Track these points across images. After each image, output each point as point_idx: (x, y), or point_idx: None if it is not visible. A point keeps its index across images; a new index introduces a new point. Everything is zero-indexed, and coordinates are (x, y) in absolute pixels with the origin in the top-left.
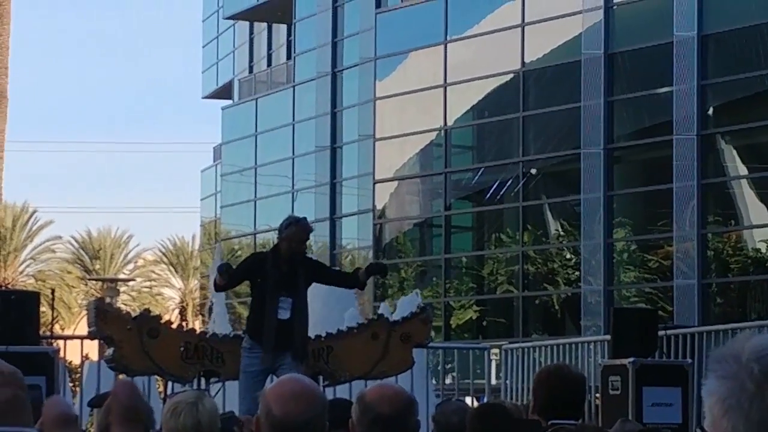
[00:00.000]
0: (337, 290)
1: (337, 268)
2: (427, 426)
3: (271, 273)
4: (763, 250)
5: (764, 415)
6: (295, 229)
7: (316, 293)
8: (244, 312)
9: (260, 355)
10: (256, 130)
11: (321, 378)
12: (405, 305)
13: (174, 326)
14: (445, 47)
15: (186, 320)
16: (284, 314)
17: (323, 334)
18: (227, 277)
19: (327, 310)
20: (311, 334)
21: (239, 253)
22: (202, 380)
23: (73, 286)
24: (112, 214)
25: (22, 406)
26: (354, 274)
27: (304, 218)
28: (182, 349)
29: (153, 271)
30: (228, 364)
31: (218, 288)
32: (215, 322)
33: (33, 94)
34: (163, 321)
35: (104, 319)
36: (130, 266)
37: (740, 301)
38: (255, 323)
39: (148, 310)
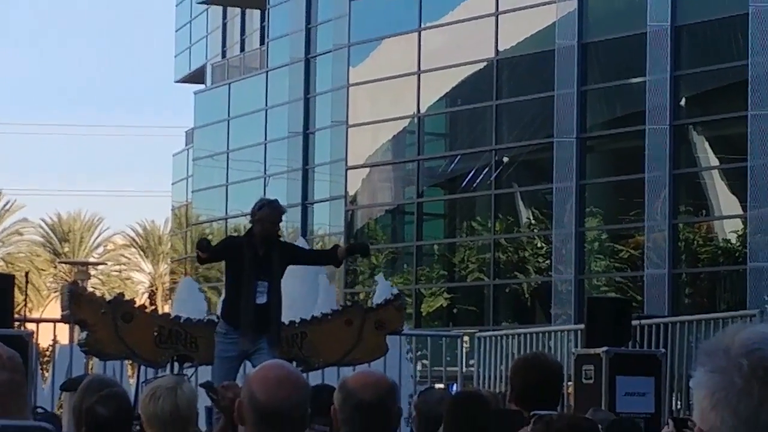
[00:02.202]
0: (310, 278)
1: (313, 249)
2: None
3: (247, 257)
4: (733, 241)
5: (752, 411)
6: (268, 211)
7: (290, 280)
8: (213, 297)
9: (236, 339)
10: (228, 115)
11: (294, 364)
12: (380, 292)
13: (148, 310)
14: (419, 35)
15: (155, 304)
16: (261, 298)
17: (297, 320)
18: (209, 253)
19: (300, 296)
20: (285, 320)
21: (210, 238)
22: (176, 365)
23: (42, 270)
24: (82, 197)
25: (18, 390)
26: (332, 250)
27: (276, 200)
28: (156, 333)
29: (123, 255)
30: (201, 349)
31: (202, 260)
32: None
33: (3, 76)
34: (137, 305)
35: (78, 303)
36: (100, 250)
37: (710, 292)
38: (231, 308)
39: (122, 294)
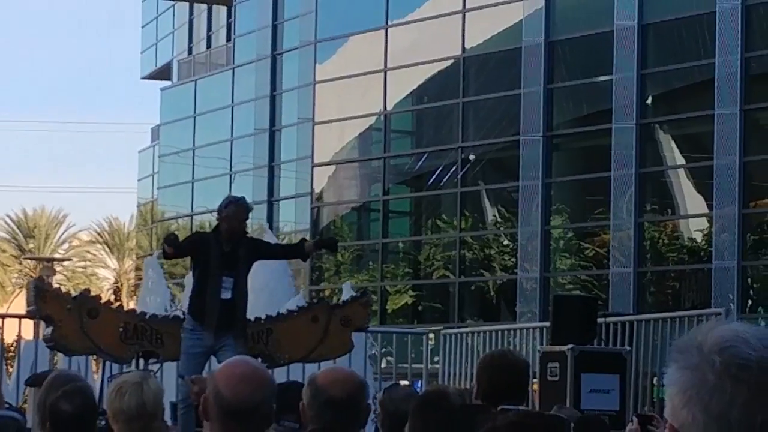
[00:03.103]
0: (277, 275)
1: (279, 243)
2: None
3: (213, 253)
4: (699, 240)
5: (724, 408)
6: (235, 209)
7: (257, 276)
8: (177, 293)
9: (202, 335)
10: (194, 112)
11: (260, 360)
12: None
13: (114, 306)
14: (386, 32)
15: (120, 301)
16: (226, 294)
17: (263, 317)
18: (175, 248)
19: (267, 293)
20: (251, 316)
21: (177, 232)
22: (141, 361)
23: (7, 265)
24: (48, 193)
25: None
26: (299, 244)
27: (243, 198)
28: (121, 329)
29: (88, 251)
30: (167, 345)
31: (168, 256)
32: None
33: None
34: (102, 301)
35: (44, 299)
36: (65, 246)
37: (675, 290)
38: (197, 303)
39: (87, 290)
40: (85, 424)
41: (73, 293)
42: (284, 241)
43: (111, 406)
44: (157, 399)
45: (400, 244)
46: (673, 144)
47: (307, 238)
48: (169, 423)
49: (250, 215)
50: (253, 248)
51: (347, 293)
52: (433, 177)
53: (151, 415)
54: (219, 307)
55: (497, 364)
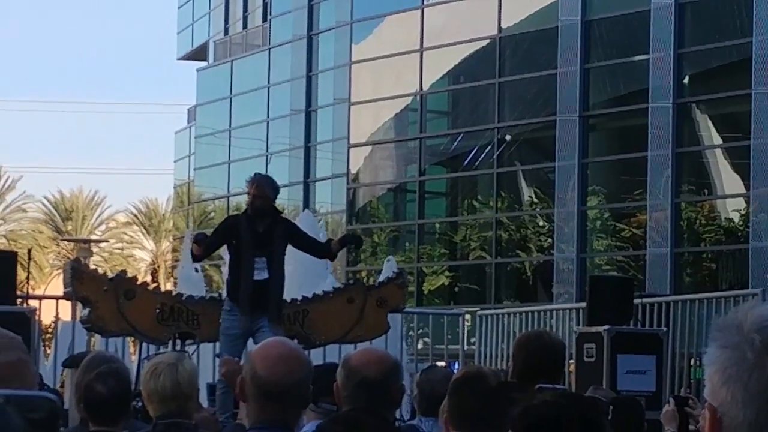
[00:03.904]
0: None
1: (312, 236)
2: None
3: (245, 234)
4: (736, 220)
5: (763, 387)
6: (251, 187)
7: (292, 257)
8: (215, 275)
9: (239, 316)
10: (230, 93)
11: (296, 341)
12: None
13: (150, 288)
14: (422, 12)
15: (157, 282)
16: (261, 274)
17: (299, 298)
18: (204, 246)
19: (303, 273)
20: (287, 297)
21: (212, 215)
22: (177, 342)
23: (45, 247)
24: (85, 175)
25: (28, 368)
26: (326, 244)
27: (259, 174)
28: (158, 310)
29: (125, 233)
30: (203, 326)
31: (195, 258)
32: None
33: (4, 52)
34: (139, 282)
35: (81, 280)
36: (102, 227)
37: (712, 271)
38: (233, 285)
39: (124, 272)
40: (119, 406)
41: (110, 275)
42: (320, 223)
43: (146, 387)
44: (192, 380)
45: (437, 225)
46: (710, 123)
47: (343, 219)
48: (206, 404)
49: (286, 195)
50: (290, 232)
51: (389, 269)
52: (469, 157)
53: (186, 395)
54: (252, 289)
55: (533, 345)
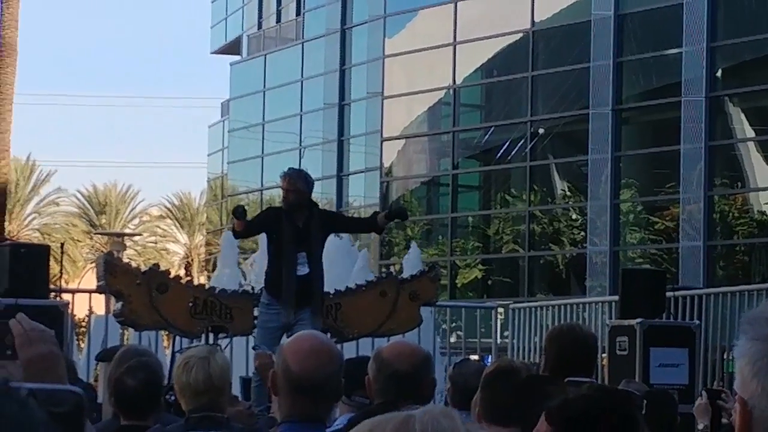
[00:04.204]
0: (345, 248)
1: (354, 217)
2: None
3: (286, 228)
4: None
5: None
6: (284, 182)
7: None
8: (247, 268)
9: (278, 310)
10: (264, 86)
11: (329, 335)
12: (410, 261)
13: (183, 281)
14: (455, 5)
15: (191, 276)
16: (303, 270)
17: (332, 292)
18: (245, 225)
19: (335, 266)
20: None
21: (247, 208)
22: (210, 336)
23: (78, 240)
24: (118, 168)
25: (59, 361)
26: (372, 217)
27: (292, 168)
28: (191, 304)
29: (158, 227)
30: (236, 320)
31: (237, 234)
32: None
33: (39, 46)
34: (172, 276)
35: (113, 274)
36: (136, 221)
37: (745, 264)
38: (273, 279)
39: (157, 265)
40: (149, 400)
41: (143, 268)
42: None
43: (178, 381)
44: (224, 373)
45: (470, 218)
46: (743, 117)
47: (378, 212)
48: (240, 398)
49: (320, 189)
50: (327, 222)
51: (413, 254)
52: (502, 150)
53: (218, 389)
54: (295, 283)
55: (566, 338)
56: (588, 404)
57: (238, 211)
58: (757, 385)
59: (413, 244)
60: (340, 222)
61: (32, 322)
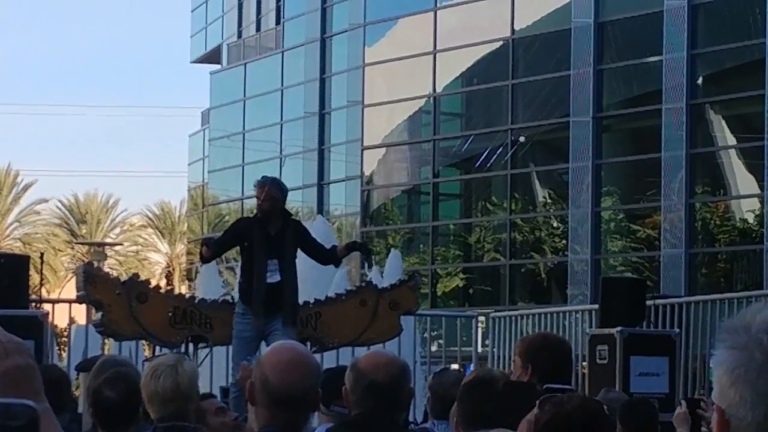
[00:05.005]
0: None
1: (320, 243)
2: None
3: (257, 237)
4: (751, 221)
5: None
6: (257, 190)
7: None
8: (229, 277)
9: (252, 319)
10: (244, 95)
11: (309, 344)
12: (391, 267)
13: (163, 291)
14: (435, 14)
15: (172, 285)
16: (273, 277)
17: (312, 300)
18: (214, 248)
19: (316, 272)
20: (300, 299)
21: (227, 218)
22: (190, 345)
23: (59, 250)
24: (99, 177)
25: (35, 374)
26: (332, 250)
27: (266, 176)
28: (170, 314)
29: (140, 236)
30: (216, 329)
31: (204, 260)
32: (200, 289)
33: (19, 56)
34: (152, 285)
35: (93, 284)
36: (117, 231)
37: (727, 272)
38: (245, 288)
39: (137, 275)
40: (128, 411)
41: (123, 278)
42: (335, 225)
43: (146, 389)
44: (192, 381)
45: (451, 227)
46: (724, 124)
47: (357, 221)
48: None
49: (300, 197)
50: (300, 235)
51: (393, 261)
52: (483, 159)
53: (186, 396)
54: (266, 291)
55: (553, 346)
56: (571, 423)
57: (208, 242)
58: (735, 394)
59: (394, 252)
60: (308, 244)
61: (8, 334)
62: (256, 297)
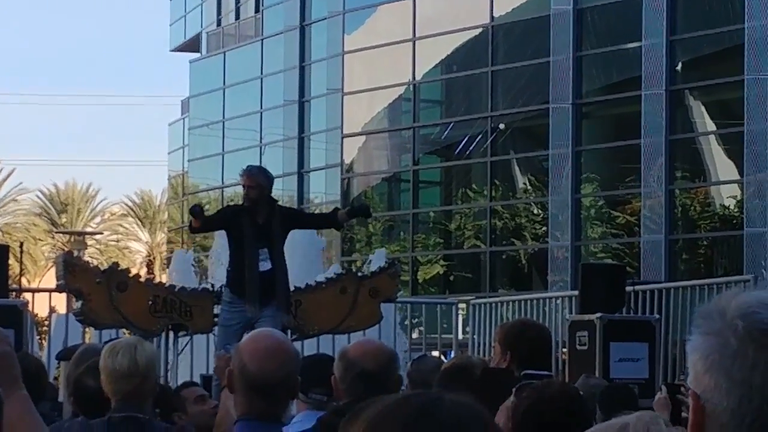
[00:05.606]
0: (304, 245)
1: (313, 213)
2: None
3: (246, 225)
4: (731, 207)
5: (746, 373)
6: (243, 179)
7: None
8: (205, 261)
9: (241, 308)
10: (224, 84)
11: (289, 332)
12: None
13: (143, 279)
14: (414, 1)
15: (153, 274)
16: (265, 265)
17: (292, 288)
18: (203, 222)
19: (297, 256)
20: None
21: (207, 207)
22: (171, 334)
23: (40, 239)
24: (79, 167)
25: (14, 362)
26: (333, 213)
27: (251, 165)
28: (150, 302)
29: (120, 225)
30: (196, 317)
31: (194, 230)
32: (172, 275)
33: None
34: (131, 274)
35: (73, 273)
36: (97, 220)
37: (707, 258)
38: (236, 277)
39: (116, 264)
40: (109, 399)
41: (103, 267)
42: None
43: (104, 367)
44: (150, 361)
45: (431, 214)
46: (703, 110)
47: (339, 208)
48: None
49: (281, 186)
50: (288, 218)
51: (379, 261)
52: (463, 146)
53: (143, 376)
54: (258, 279)
55: (532, 333)
56: (554, 411)
57: (195, 210)
58: (710, 380)
59: (378, 251)
60: (301, 219)
61: None
62: (250, 285)
